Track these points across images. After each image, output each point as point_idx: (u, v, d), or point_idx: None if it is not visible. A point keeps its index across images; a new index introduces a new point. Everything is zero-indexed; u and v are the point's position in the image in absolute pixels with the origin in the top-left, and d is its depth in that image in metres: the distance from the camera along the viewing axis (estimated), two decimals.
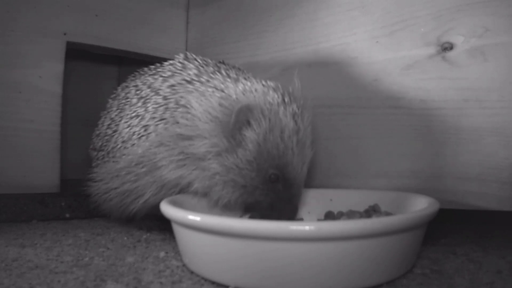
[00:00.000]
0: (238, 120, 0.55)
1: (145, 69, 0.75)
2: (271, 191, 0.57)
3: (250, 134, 0.56)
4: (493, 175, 0.60)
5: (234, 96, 0.58)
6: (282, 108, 0.57)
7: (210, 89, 0.60)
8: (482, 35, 0.61)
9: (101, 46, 0.93)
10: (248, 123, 0.56)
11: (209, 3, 0.99)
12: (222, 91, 0.59)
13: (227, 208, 0.60)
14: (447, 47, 0.64)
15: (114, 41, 0.94)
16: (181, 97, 0.62)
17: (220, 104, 0.57)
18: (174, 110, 0.62)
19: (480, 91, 0.61)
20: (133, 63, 0.96)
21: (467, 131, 0.62)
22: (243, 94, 0.58)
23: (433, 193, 0.60)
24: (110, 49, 0.95)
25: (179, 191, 0.62)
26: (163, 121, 0.63)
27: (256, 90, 0.58)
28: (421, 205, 0.51)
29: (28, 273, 0.49)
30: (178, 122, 0.60)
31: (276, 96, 0.58)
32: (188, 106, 0.59)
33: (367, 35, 0.72)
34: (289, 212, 0.57)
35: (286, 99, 0.58)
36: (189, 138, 0.58)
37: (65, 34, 0.87)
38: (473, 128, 0.62)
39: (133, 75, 0.78)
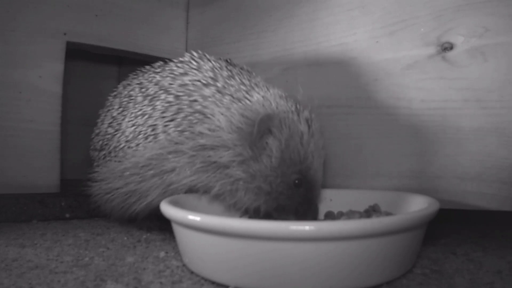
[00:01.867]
0: (260, 129, 0.57)
1: (147, 67, 0.75)
2: (296, 195, 0.59)
3: (272, 142, 0.58)
4: (493, 175, 0.60)
5: (254, 107, 0.59)
6: (296, 115, 0.59)
7: (227, 97, 0.61)
8: (482, 35, 0.61)
9: (101, 46, 0.93)
10: (270, 131, 0.57)
11: (209, 3, 0.99)
12: (240, 101, 0.61)
13: (234, 209, 0.61)
14: (447, 47, 0.64)
15: (114, 41, 0.94)
16: (196, 100, 0.62)
17: (243, 115, 0.58)
18: (189, 114, 0.61)
19: (480, 91, 0.61)
20: (133, 63, 0.96)
21: (467, 131, 0.62)
22: (262, 104, 0.59)
23: (433, 193, 0.61)
24: (110, 49, 0.95)
25: (185, 192, 0.61)
26: (173, 122, 0.62)
27: (270, 99, 0.60)
28: (421, 205, 0.51)
29: (28, 273, 0.49)
30: (200, 132, 0.60)
31: (289, 104, 0.60)
32: (210, 116, 0.60)
33: (367, 35, 0.72)
34: (313, 213, 0.59)
35: (298, 106, 0.60)
36: (212, 148, 0.59)
37: (65, 34, 0.87)
38: (473, 128, 0.62)
39: (134, 73, 0.77)
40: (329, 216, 0.64)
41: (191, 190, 0.61)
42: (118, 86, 0.79)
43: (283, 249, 0.41)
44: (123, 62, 1.28)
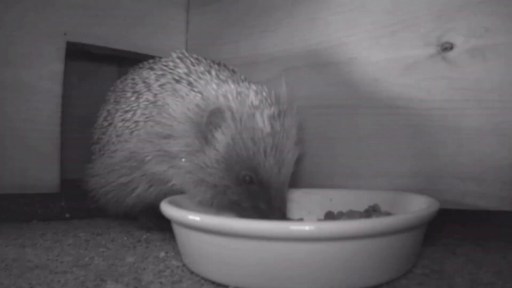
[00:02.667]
0: (209, 121, 0.57)
1: (145, 62, 0.76)
2: (247, 192, 0.57)
3: (219, 136, 0.57)
4: (493, 175, 0.60)
5: (210, 99, 0.59)
6: (259, 110, 0.57)
7: (196, 89, 0.62)
8: (482, 35, 0.61)
9: (101, 46, 0.93)
10: (219, 125, 0.57)
11: (209, 3, 0.99)
12: (202, 93, 0.61)
13: (217, 207, 0.61)
14: (447, 47, 0.64)
15: (114, 41, 0.94)
16: (167, 95, 0.64)
17: (197, 106, 0.59)
18: (160, 108, 0.63)
19: (480, 91, 0.61)
20: (133, 63, 0.96)
21: (467, 131, 0.62)
22: (221, 97, 0.59)
23: (433, 193, 0.60)
24: (110, 49, 0.95)
25: (168, 188, 0.62)
26: (151, 117, 0.64)
27: (236, 92, 0.59)
28: (421, 205, 0.51)
29: (28, 273, 0.49)
30: (160, 121, 0.61)
31: (254, 98, 0.59)
32: (167, 106, 0.61)
33: (367, 35, 0.72)
34: (271, 214, 0.56)
35: (266, 102, 0.59)
36: (167, 137, 0.60)
37: (65, 34, 0.87)
38: (473, 128, 0.62)
39: (133, 68, 0.78)
40: (329, 216, 0.64)
41: (169, 186, 0.62)
42: (117, 80, 0.80)
43: (283, 249, 0.41)
44: (123, 62, 1.28)
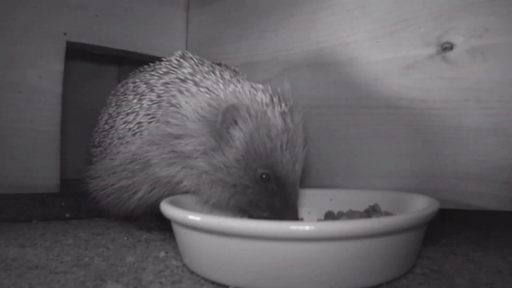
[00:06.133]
0: (224, 119, 0.56)
1: (145, 66, 0.76)
2: (265, 191, 0.57)
3: (236, 133, 0.56)
4: (493, 175, 0.60)
5: (222, 97, 0.59)
6: (270, 107, 0.57)
7: (202, 89, 0.61)
8: (482, 35, 0.61)
9: (101, 46, 0.93)
10: (235, 122, 0.56)
11: (209, 3, 0.99)
12: (212, 92, 0.60)
13: (219, 208, 0.60)
14: (447, 47, 0.64)
15: (114, 41, 0.94)
16: (173, 95, 0.63)
17: (209, 104, 0.58)
18: (166, 109, 0.63)
19: (480, 91, 0.61)
20: (133, 63, 0.96)
21: (467, 131, 0.62)
22: (232, 95, 0.58)
23: (433, 193, 0.60)
24: (110, 49, 0.95)
25: (172, 189, 0.62)
26: (155, 119, 0.63)
27: (245, 91, 0.59)
28: (421, 205, 0.51)
29: (28, 273, 0.49)
30: (168, 122, 0.61)
31: (264, 96, 0.58)
32: (178, 106, 0.61)
33: (367, 35, 0.72)
34: (290, 213, 0.57)
35: (275, 100, 0.59)
36: (178, 137, 0.59)
37: (65, 34, 0.87)
38: (473, 128, 0.62)
39: (133, 72, 0.78)
40: (329, 216, 0.64)
41: (175, 187, 0.61)
42: (118, 84, 0.80)
43: (283, 249, 0.41)
44: (123, 62, 1.28)
